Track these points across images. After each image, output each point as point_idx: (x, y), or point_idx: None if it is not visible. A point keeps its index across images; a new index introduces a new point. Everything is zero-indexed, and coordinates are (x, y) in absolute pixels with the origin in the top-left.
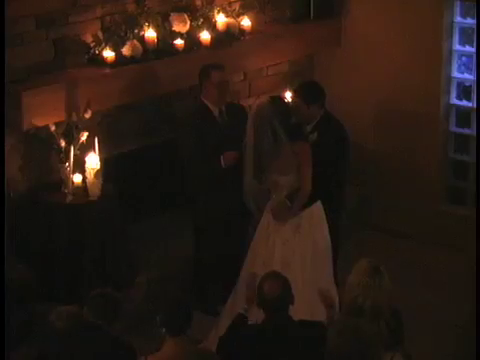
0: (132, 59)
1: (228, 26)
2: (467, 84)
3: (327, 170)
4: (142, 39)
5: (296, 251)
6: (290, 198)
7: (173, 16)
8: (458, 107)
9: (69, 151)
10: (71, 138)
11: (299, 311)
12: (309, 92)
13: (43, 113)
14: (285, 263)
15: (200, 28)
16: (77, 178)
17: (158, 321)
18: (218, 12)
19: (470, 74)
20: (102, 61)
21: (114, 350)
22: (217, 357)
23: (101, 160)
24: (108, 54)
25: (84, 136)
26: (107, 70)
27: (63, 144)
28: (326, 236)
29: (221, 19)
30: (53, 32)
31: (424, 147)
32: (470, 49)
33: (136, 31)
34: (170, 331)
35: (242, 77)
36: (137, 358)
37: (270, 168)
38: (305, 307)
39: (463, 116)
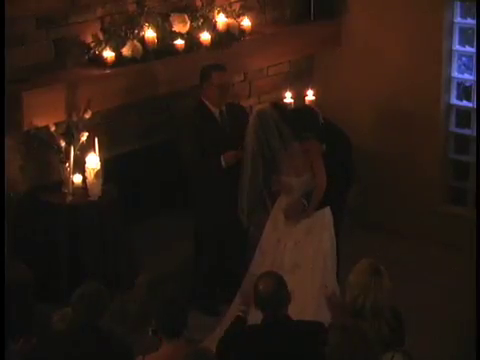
0: (132, 59)
1: (228, 26)
2: (467, 84)
3: (332, 176)
4: (142, 39)
5: (307, 253)
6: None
7: (173, 16)
8: (458, 107)
9: (69, 151)
10: (71, 138)
11: (307, 312)
12: (301, 123)
13: (43, 113)
14: (296, 264)
15: (200, 28)
16: (77, 178)
17: (152, 322)
18: (218, 12)
19: (470, 74)
20: (102, 61)
21: (112, 350)
22: (212, 357)
23: (101, 160)
24: (108, 54)
25: (84, 136)
26: (107, 70)
27: (63, 144)
28: (333, 238)
29: (221, 19)
30: (53, 32)
31: (424, 147)
32: (470, 49)
33: (136, 31)
34: (165, 332)
35: (242, 77)
36: (135, 358)
37: (281, 171)
38: (313, 308)
39: (463, 116)
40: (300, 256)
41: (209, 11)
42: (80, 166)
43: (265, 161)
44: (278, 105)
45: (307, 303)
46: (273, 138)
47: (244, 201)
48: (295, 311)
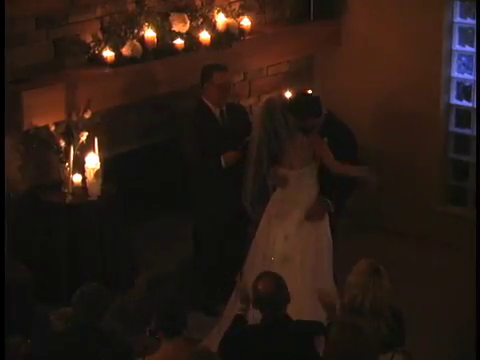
0: (132, 59)
1: (228, 26)
2: (467, 84)
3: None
4: (142, 39)
5: (297, 247)
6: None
7: (173, 16)
8: (458, 107)
9: (69, 151)
10: (71, 138)
11: (300, 309)
12: (303, 108)
13: (43, 113)
14: (286, 258)
15: (200, 28)
16: (77, 178)
17: (152, 322)
18: (218, 12)
19: (470, 74)
20: (102, 61)
21: (112, 350)
22: (216, 357)
23: (101, 160)
24: (108, 54)
25: (84, 136)
26: (107, 70)
27: (63, 144)
28: (328, 235)
29: (221, 19)
30: (53, 32)
31: (424, 147)
32: (470, 49)
33: (136, 31)
34: (165, 331)
35: (242, 77)
36: (135, 358)
37: (280, 162)
38: (305, 304)
39: (463, 116)
40: (290, 250)
41: (209, 11)
42: (80, 166)
43: (270, 152)
44: (284, 97)
45: (297, 298)
46: (279, 126)
47: (248, 190)
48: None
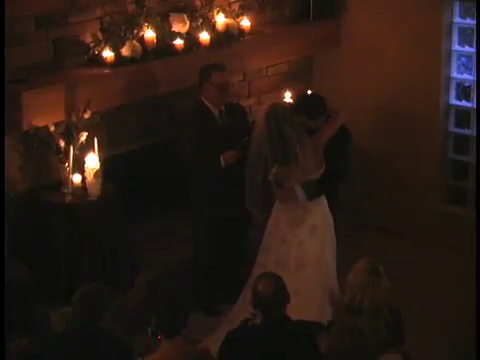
0: (131, 59)
1: (227, 26)
2: (466, 84)
3: (331, 168)
4: (141, 39)
5: (311, 252)
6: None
7: (172, 16)
8: (458, 107)
9: (68, 151)
10: (70, 138)
11: (310, 312)
12: (313, 107)
13: (43, 113)
14: (300, 264)
15: (199, 28)
16: (76, 178)
17: (152, 322)
18: (217, 12)
19: (469, 74)
20: (102, 61)
21: (111, 350)
22: (212, 357)
23: (100, 160)
24: (107, 54)
25: (83, 136)
26: (106, 70)
27: (62, 144)
28: (334, 238)
29: (220, 19)
30: (53, 32)
31: (424, 147)
32: (469, 49)
33: (135, 31)
34: (165, 331)
35: (241, 77)
36: (134, 358)
37: (286, 162)
38: (315, 308)
39: (463, 116)
40: (304, 256)
41: (208, 11)
42: (79, 166)
43: (272, 153)
44: (286, 102)
45: (310, 303)
46: (287, 129)
47: (251, 190)
48: (298, 311)
